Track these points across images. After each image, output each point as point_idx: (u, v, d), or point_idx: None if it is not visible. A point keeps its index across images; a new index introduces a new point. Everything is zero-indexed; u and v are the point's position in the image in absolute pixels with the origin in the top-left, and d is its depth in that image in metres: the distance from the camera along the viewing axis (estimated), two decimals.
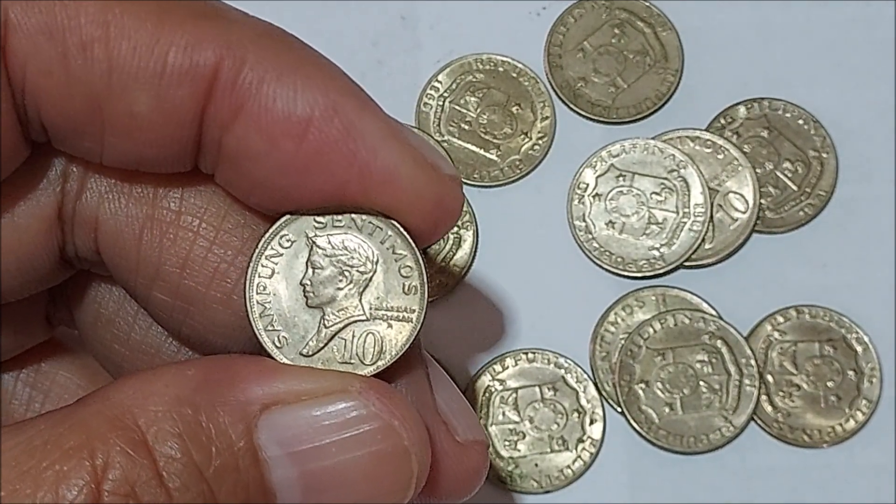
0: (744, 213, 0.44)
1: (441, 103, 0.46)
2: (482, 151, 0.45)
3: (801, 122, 0.45)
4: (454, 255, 0.44)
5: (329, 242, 0.27)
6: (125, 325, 0.31)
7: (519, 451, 0.43)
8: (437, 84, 0.46)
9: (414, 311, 0.27)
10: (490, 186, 0.45)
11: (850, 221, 0.44)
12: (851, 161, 0.45)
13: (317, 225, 0.27)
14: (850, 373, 0.43)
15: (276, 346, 0.26)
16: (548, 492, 0.43)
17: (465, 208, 0.45)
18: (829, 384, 0.43)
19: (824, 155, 0.45)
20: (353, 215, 0.27)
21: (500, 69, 0.46)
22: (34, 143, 0.26)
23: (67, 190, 0.28)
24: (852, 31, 0.46)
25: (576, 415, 0.43)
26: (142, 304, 0.29)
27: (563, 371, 0.43)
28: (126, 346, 0.31)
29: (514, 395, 0.43)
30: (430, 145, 0.27)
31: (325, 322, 0.26)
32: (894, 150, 0.45)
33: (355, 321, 0.27)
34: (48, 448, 0.23)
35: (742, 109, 0.45)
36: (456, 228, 0.45)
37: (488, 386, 0.43)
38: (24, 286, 0.29)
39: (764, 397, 0.43)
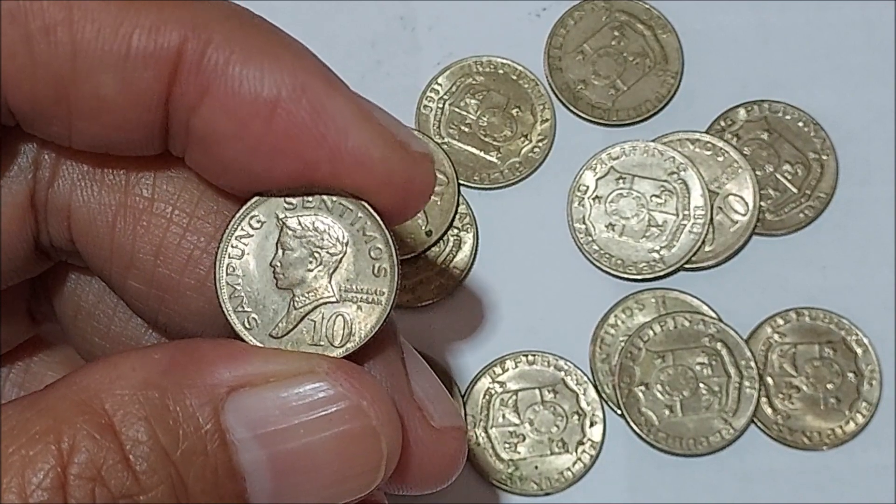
0: (744, 215, 0.44)
1: (441, 105, 0.46)
2: (482, 154, 0.45)
3: (801, 124, 0.45)
4: (454, 257, 0.44)
5: (299, 223, 0.27)
6: (105, 318, 0.31)
7: (519, 453, 0.43)
8: (436, 86, 0.46)
9: (384, 293, 0.27)
10: (490, 189, 0.45)
11: (850, 223, 0.44)
12: (851, 163, 0.45)
13: (287, 206, 0.27)
14: (850, 375, 0.43)
15: (246, 328, 0.26)
16: (548, 494, 0.42)
17: (465, 210, 0.45)
18: (829, 386, 0.43)
19: (824, 157, 0.45)
20: (323, 196, 0.26)
21: (500, 71, 0.46)
22: (3, 126, 0.26)
23: (39, 178, 0.28)
24: (852, 33, 0.46)
25: (576, 417, 0.43)
26: (118, 294, 0.29)
27: (563, 373, 0.43)
28: (106, 339, 0.31)
29: (514, 397, 0.43)
30: (401, 123, 0.27)
31: (295, 303, 0.26)
32: (894, 152, 0.45)
33: (325, 303, 0.26)
34: (15, 433, 0.23)
35: (742, 112, 0.45)
36: (456, 231, 0.45)
37: (488, 388, 0.43)
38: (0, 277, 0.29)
39: (764, 399, 0.43)
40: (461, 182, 0.45)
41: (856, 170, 0.45)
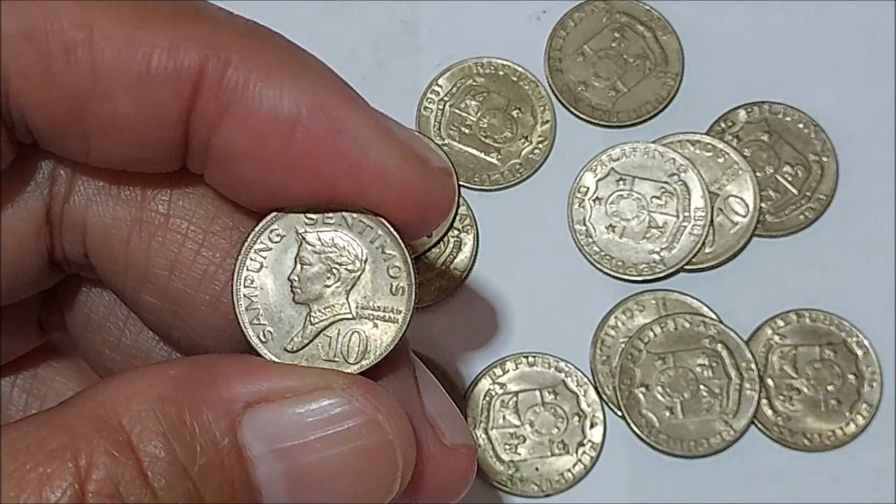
0: (744, 216, 0.44)
1: (441, 107, 0.46)
2: (483, 155, 0.45)
3: (801, 125, 0.45)
4: (454, 258, 0.44)
5: (319, 239, 0.27)
6: (115, 330, 0.31)
7: (519, 454, 0.43)
8: (437, 88, 0.46)
9: (400, 312, 0.27)
10: (490, 190, 0.45)
11: (851, 225, 0.44)
12: (852, 165, 0.45)
13: (307, 221, 0.27)
14: (851, 376, 0.43)
15: (261, 341, 0.26)
16: (548, 495, 0.42)
17: (465, 212, 0.45)
18: (830, 388, 0.43)
19: (824, 159, 0.45)
20: (344, 213, 0.26)
21: (501, 73, 0.46)
22: (20, 143, 0.26)
23: (55, 193, 0.28)
24: (852, 35, 0.46)
25: (576, 418, 0.43)
26: (131, 308, 0.29)
27: (563, 375, 0.43)
28: (117, 351, 0.31)
29: (514, 398, 0.43)
30: (419, 138, 0.27)
31: (311, 319, 0.26)
32: (894, 153, 0.45)
33: (341, 319, 0.27)
34: (32, 450, 0.23)
35: (742, 113, 0.45)
36: (456, 232, 0.45)
37: (489, 390, 0.43)
38: (13, 290, 0.28)
39: (764, 401, 0.43)
40: (461, 183, 0.45)
41: (856, 171, 0.45)
